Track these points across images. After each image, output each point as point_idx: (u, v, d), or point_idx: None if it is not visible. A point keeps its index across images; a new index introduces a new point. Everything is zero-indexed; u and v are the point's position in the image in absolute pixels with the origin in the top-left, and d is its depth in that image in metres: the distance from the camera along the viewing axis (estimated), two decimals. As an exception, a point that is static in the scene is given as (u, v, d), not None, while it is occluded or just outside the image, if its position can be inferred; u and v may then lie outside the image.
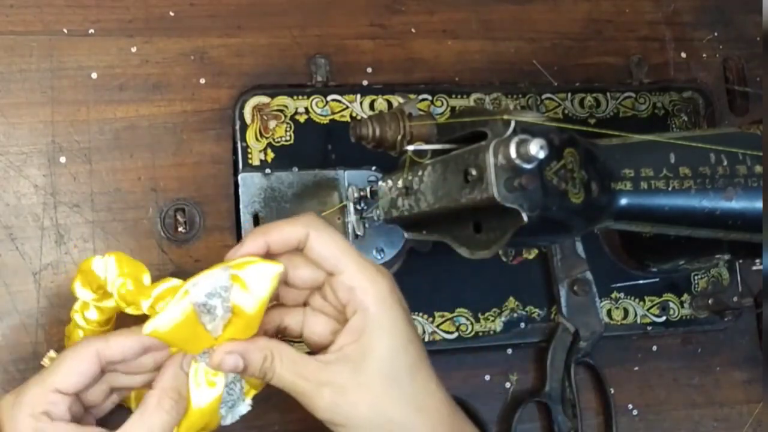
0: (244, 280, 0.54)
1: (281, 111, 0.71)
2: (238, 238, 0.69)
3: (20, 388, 0.55)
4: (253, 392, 0.59)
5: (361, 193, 0.68)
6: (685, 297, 0.79)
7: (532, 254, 0.75)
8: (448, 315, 0.72)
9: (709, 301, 0.78)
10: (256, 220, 0.69)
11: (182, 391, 0.55)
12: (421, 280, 0.72)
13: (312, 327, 0.58)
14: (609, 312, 0.76)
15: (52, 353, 0.60)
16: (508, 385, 0.74)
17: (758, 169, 0.62)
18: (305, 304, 0.59)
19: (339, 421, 0.54)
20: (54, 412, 0.54)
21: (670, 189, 0.60)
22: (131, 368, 0.57)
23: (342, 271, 0.55)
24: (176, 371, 0.55)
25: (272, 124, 0.71)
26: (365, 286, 0.55)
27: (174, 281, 0.56)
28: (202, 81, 0.70)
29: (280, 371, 0.54)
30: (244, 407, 0.58)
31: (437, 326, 0.72)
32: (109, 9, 0.69)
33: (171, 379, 0.55)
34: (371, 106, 0.73)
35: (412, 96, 0.73)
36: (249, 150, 0.70)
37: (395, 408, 0.53)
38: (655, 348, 0.78)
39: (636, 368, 0.78)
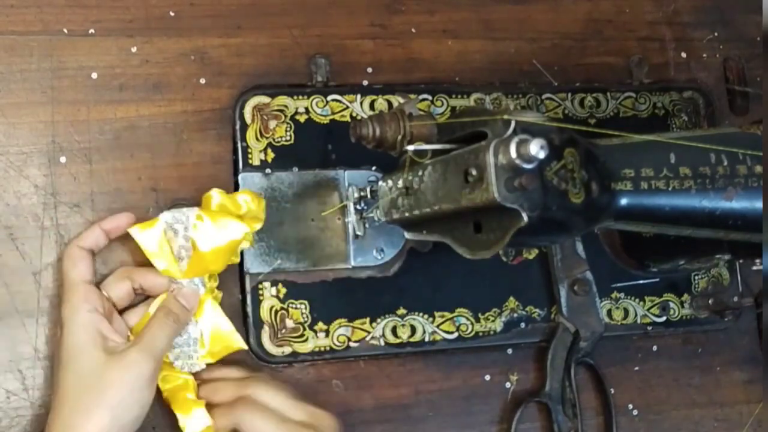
0: (208, 223, 0.63)
1: (281, 111, 0.71)
2: (238, 238, 0.69)
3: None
4: (209, 359, 0.65)
5: (361, 193, 0.68)
6: (686, 297, 0.79)
7: (532, 254, 0.75)
8: (448, 315, 0.72)
9: (710, 301, 0.78)
10: (256, 220, 0.69)
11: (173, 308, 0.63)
12: (421, 280, 0.72)
13: None
14: (609, 312, 0.76)
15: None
16: (508, 385, 0.74)
17: (758, 169, 0.62)
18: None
19: None
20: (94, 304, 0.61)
21: (670, 189, 0.60)
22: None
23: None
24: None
25: (272, 124, 0.71)
26: None
27: None
28: (202, 81, 0.70)
29: None
30: (197, 366, 0.65)
31: (437, 326, 0.72)
32: (109, 9, 0.69)
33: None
34: (371, 106, 0.73)
35: (412, 96, 0.73)
36: (249, 150, 0.70)
37: None
38: (655, 348, 0.78)
39: (636, 368, 0.78)
